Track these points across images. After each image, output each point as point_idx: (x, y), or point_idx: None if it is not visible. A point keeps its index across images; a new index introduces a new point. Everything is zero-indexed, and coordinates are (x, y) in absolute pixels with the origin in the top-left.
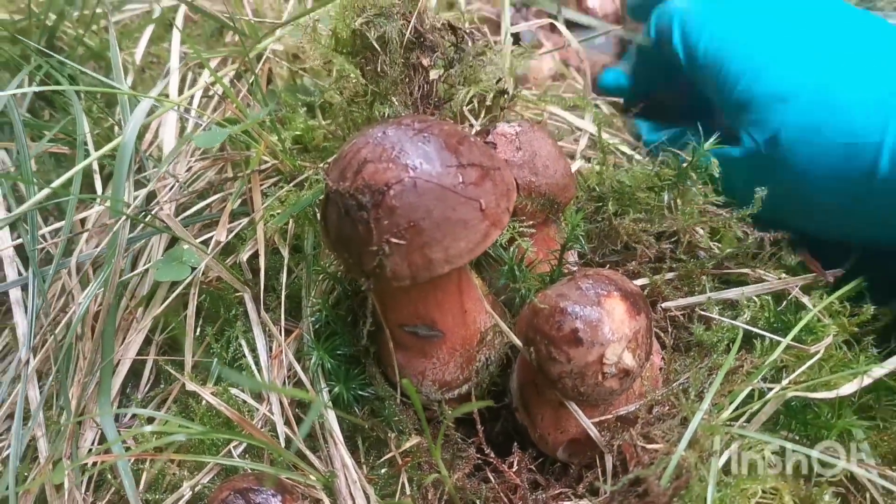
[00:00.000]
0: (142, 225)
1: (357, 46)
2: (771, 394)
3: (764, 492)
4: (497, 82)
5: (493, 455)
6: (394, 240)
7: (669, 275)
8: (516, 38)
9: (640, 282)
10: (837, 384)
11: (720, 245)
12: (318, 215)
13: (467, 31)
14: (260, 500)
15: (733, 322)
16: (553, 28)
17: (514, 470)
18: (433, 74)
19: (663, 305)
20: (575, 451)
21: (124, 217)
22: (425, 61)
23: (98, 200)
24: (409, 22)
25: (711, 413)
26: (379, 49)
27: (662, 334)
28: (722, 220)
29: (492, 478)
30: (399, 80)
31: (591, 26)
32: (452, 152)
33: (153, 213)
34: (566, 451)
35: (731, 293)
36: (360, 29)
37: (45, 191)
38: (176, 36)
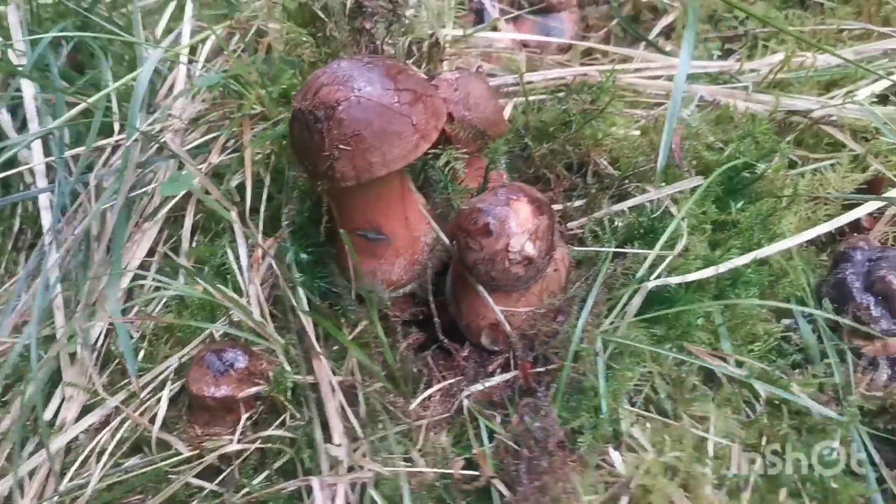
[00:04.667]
0: (152, 150)
1: (306, 18)
2: (631, 287)
3: (642, 375)
4: (431, 36)
5: (446, 340)
6: (341, 146)
7: (579, 202)
8: (480, 17)
9: (555, 207)
10: (689, 271)
11: (619, 170)
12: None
13: None
14: (229, 356)
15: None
16: (517, 18)
17: (463, 355)
18: (377, 35)
19: (569, 225)
20: (495, 338)
21: (136, 135)
22: (367, 25)
23: (117, 130)
24: None
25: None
26: (325, 17)
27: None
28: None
29: (430, 361)
30: (347, 43)
31: None
32: (391, 79)
33: (160, 139)
34: (488, 337)
35: (603, 212)
36: (304, 2)
37: (74, 110)
38: (189, 7)
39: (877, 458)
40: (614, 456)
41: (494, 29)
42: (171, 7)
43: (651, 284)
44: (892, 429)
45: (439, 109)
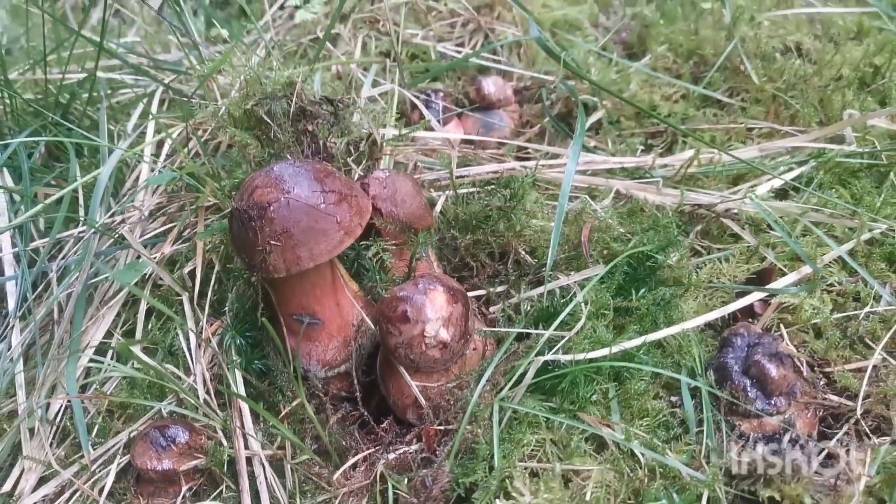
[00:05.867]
0: (110, 241)
1: (252, 122)
2: (526, 360)
3: (537, 442)
4: (368, 137)
5: (367, 413)
6: (273, 241)
7: (500, 287)
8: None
9: (478, 293)
10: (582, 351)
11: (536, 259)
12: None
13: (342, 101)
14: (171, 433)
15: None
16: (459, 116)
17: (383, 427)
18: (320, 136)
19: (490, 309)
20: (420, 415)
21: (94, 228)
22: (310, 127)
23: (80, 222)
24: (292, 100)
25: (495, 387)
26: (269, 121)
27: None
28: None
29: (356, 434)
30: (291, 143)
31: None
32: (319, 182)
33: (119, 231)
34: (413, 414)
35: (515, 299)
36: (250, 109)
37: (40, 206)
38: (154, 106)
39: None
40: None
41: (428, 129)
42: (141, 106)
43: (542, 359)
44: (753, 490)
45: (363, 208)
